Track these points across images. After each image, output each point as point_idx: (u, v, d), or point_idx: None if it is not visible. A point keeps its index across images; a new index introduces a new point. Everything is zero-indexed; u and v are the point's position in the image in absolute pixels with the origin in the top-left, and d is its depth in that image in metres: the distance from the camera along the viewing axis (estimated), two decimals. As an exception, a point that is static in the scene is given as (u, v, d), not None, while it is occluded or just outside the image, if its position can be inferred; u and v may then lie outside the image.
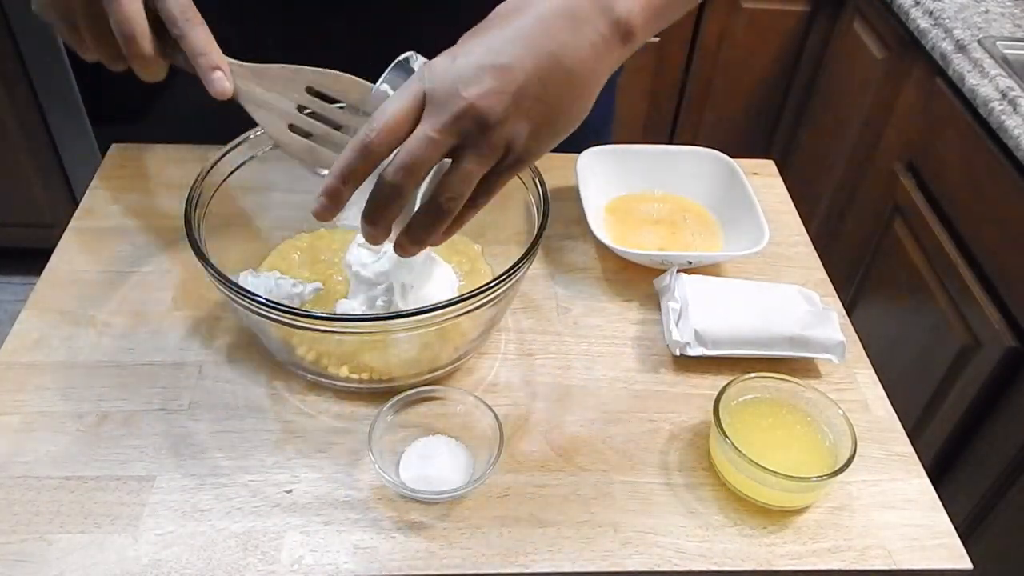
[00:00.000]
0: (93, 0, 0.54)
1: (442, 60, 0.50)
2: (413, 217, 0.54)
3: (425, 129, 0.49)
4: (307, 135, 0.59)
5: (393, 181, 0.50)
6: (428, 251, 0.67)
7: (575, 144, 0.88)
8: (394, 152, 0.50)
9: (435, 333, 0.62)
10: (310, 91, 0.59)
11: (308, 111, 0.59)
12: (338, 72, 0.59)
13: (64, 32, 0.58)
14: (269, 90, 0.59)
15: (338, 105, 0.60)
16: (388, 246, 0.67)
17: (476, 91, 0.48)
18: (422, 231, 0.54)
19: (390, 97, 0.51)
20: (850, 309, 1.29)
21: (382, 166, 0.51)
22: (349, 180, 0.51)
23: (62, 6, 0.56)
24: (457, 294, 0.65)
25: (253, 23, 0.73)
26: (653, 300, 0.76)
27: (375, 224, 0.53)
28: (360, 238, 0.68)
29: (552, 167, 0.86)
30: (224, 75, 0.56)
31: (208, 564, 0.55)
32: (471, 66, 0.49)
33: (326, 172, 0.59)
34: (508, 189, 0.70)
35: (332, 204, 0.51)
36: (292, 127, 0.59)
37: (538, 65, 0.50)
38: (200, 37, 0.55)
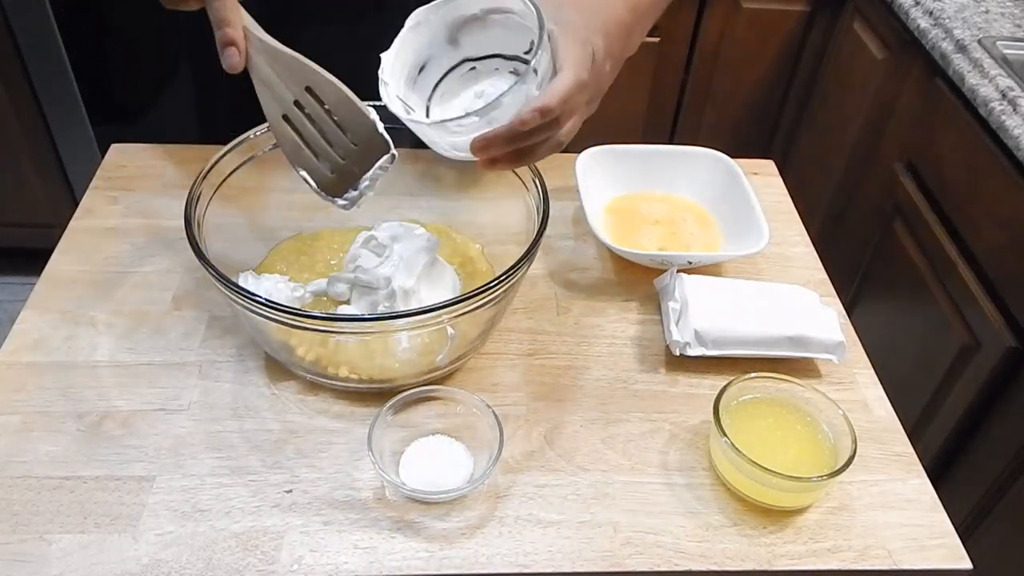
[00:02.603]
0: None
1: (595, 54, 0.58)
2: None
3: (581, 116, 0.59)
4: (296, 131, 0.60)
5: (537, 140, 0.56)
6: (431, 253, 0.67)
7: None
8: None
9: (435, 333, 0.62)
10: (309, 91, 0.59)
11: (304, 109, 0.60)
12: (338, 83, 0.59)
13: None
14: (276, 73, 0.59)
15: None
16: (390, 248, 0.67)
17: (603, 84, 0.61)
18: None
19: (567, 77, 0.55)
20: (850, 309, 1.29)
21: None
22: (517, 139, 0.56)
23: None
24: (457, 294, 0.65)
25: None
26: (653, 300, 0.76)
27: (487, 149, 0.56)
28: (363, 238, 0.68)
29: (552, 167, 0.86)
30: (237, 51, 0.57)
31: (208, 564, 0.55)
32: (605, 67, 0.61)
33: (304, 172, 0.60)
34: (509, 189, 0.70)
35: (485, 153, 0.56)
36: (285, 117, 0.60)
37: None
38: (225, 6, 0.57)
